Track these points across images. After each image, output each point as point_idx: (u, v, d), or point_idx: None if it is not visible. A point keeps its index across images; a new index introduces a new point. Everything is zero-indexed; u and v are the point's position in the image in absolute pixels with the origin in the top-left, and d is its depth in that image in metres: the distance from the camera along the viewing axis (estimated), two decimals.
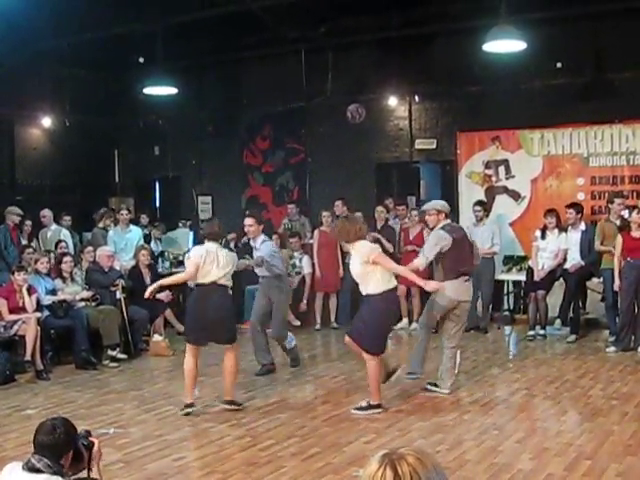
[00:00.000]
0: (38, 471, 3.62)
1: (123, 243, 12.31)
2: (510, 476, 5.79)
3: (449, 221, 8.39)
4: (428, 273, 11.97)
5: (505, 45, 10.53)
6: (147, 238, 13.28)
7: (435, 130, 14.12)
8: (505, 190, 12.85)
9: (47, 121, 15.26)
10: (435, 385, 8.31)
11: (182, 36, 13.23)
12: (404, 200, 13.54)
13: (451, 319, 8.31)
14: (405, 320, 12.28)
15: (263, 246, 9.25)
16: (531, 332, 11.12)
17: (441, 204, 8.50)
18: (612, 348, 10.18)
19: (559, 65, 12.75)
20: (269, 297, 9.46)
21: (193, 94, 15.16)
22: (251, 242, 9.44)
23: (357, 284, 12.26)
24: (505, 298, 12.67)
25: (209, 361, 10.44)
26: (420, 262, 8.23)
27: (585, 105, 12.39)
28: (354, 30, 13.65)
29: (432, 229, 8.40)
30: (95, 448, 3.89)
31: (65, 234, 12.78)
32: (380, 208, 12.36)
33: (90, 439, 3.91)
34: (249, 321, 11.54)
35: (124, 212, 12.74)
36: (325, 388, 8.70)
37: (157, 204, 17.21)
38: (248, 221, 9.22)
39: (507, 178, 12.89)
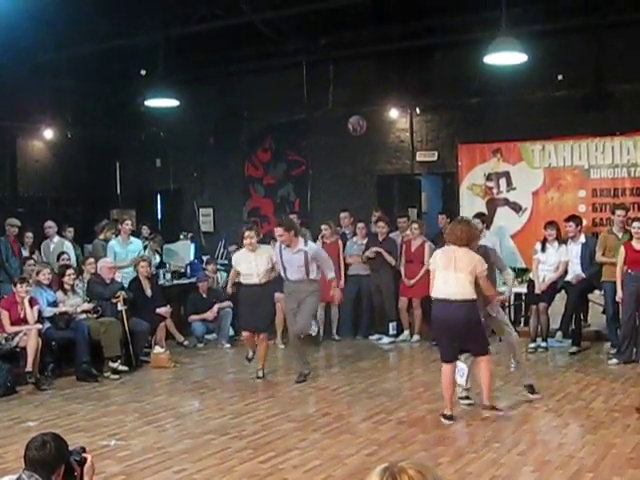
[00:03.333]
0: None
1: (124, 254, 12.30)
2: None
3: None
4: (427, 282, 12.07)
5: (506, 57, 10.54)
6: (144, 250, 13.25)
7: (436, 142, 14.12)
8: (506, 202, 12.88)
9: (49, 133, 15.27)
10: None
11: (183, 48, 13.25)
12: (405, 212, 13.55)
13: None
14: (406, 332, 12.28)
15: (310, 247, 9.53)
16: (532, 344, 11.10)
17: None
18: (614, 360, 10.16)
19: (560, 77, 12.75)
20: (298, 302, 9.51)
21: (194, 106, 15.17)
22: (288, 252, 9.43)
23: (359, 296, 12.40)
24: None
25: (210, 373, 10.48)
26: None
27: (586, 117, 12.40)
28: (355, 42, 13.66)
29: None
30: (88, 464, 3.84)
31: (68, 246, 12.78)
32: (381, 224, 12.33)
33: (83, 455, 3.87)
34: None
35: (128, 223, 12.73)
36: (326, 400, 8.68)
37: (158, 216, 17.22)
38: (278, 231, 9.39)
39: (508, 190, 12.92)
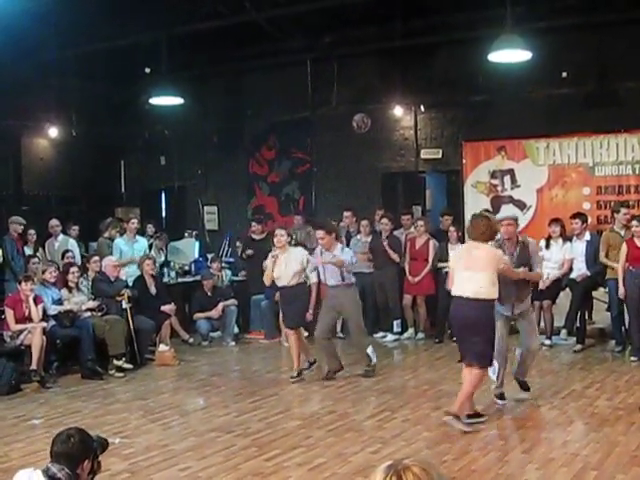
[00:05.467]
0: None
1: (130, 253, 12.31)
2: None
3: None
4: (431, 280, 12.07)
5: (510, 55, 10.54)
6: (149, 248, 13.27)
7: (440, 140, 14.12)
8: (511, 200, 12.86)
9: (53, 132, 15.30)
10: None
11: (187, 47, 13.26)
12: (409, 210, 13.55)
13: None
14: (411, 330, 12.27)
15: (344, 253, 9.44)
16: None
17: (514, 215, 8.53)
18: (633, 358, 10.14)
19: (564, 75, 12.75)
20: (338, 310, 9.60)
21: (198, 104, 15.18)
22: (327, 254, 9.37)
23: (363, 294, 12.37)
24: None
25: (214, 370, 10.49)
26: (541, 273, 8.17)
27: (590, 114, 12.39)
28: (359, 40, 13.67)
29: (507, 239, 7.94)
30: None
31: (72, 244, 12.80)
32: (385, 221, 12.33)
33: (101, 438, 4.02)
34: (256, 331, 11.79)
35: (134, 221, 12.75)
36: (331, 398, 8.68)
37: (163, 214, 17.24)
38: (320, 234, 9.33)
39: (513, 188, 12.91)
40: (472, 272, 7.18)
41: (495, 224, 7.47)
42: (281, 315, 10.81)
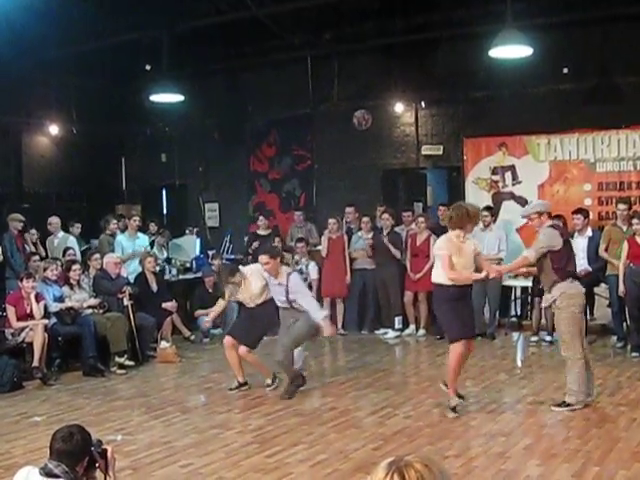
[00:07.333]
0: (56, 477, 3.65)
1: (132, 249, 12.34)
2: None
3: (554, 221, 8.32)
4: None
5: (511, 50, 10.53)
6: (152, 245, 13.29)
7: (441, 136, 14.11)
8: (512, 196, 12.87)
9: (54, 129, 15.29)
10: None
11: (188, 43, 13.25)
12: (410, 206, 13.54)
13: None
14: (412, 327, 12.27)
15: (292, 278, 8.59)
16: (534, 337, 11.10)
17: (541, 204, 8.37)
18: (634, 354, 10.15)
19: (565, 70, 12.73)
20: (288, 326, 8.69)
21: (199, 101, 15.16)
22: (272, 280, 8.61)
23: (364, 291, 12.40)
24: (512, 304, 12.64)
25: (216, 367, 10.48)
26: (530, 254, 7.77)
27: (592, 110, 12.37)
28: (359, 36, 13.64)
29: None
30: (109, 455, 3.96)
31: (72, 241, 12.80)
32: (386, 216, 12.32)
33: (103, 447, 3.96)
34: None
35: (136, 219, 12.82)
36: (332, 394, 8.69)
37: (164, 211, 17.25)
38: (263, 259, 8.52)
39: (514, 184, 12.91)
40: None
41: (460, 214, 7.57)
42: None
